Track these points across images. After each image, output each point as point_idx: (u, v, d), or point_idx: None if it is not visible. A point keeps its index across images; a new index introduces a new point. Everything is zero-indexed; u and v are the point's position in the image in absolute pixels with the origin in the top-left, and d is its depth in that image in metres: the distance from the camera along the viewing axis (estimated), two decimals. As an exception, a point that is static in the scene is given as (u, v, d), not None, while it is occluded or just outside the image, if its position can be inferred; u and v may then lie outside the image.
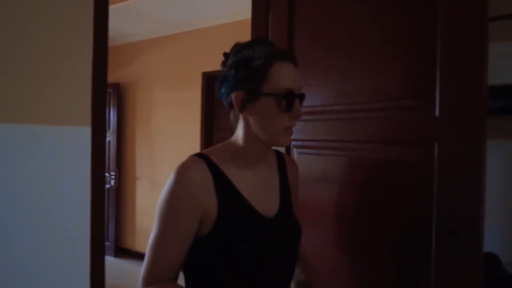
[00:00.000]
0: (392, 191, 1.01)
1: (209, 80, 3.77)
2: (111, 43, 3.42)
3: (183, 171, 0.77)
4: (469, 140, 0.87)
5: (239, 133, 0.83)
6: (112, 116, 4.42)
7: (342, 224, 1.14)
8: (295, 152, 1.29)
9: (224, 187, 0.79)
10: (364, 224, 1.08)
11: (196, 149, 3.86)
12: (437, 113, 0.92)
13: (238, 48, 0.81)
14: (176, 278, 0.80)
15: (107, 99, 3.39)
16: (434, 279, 0.91)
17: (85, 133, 1.00)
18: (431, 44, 0.93)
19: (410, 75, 0.99)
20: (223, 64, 0.83)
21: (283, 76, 0.77)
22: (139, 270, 0.78)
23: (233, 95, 0.79)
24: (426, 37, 0.95)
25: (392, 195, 1.01)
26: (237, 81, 0.78)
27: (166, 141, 4.13)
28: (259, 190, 0.84)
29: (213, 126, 3.93)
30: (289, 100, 0.76)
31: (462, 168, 0.88)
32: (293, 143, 1.29)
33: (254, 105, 0.78)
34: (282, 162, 0.95)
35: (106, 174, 4.17)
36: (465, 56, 0.88)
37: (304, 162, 1.26)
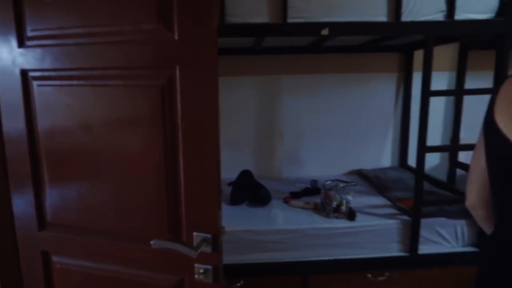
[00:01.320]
0: (140, 116, 1.02)
1: None
2: None
3: None
4: (205, 63, 0.95)
5: None
6: None
7: (92, 159, 1.09)
8: (34, 85, 1.09)
9: None
10: (114, 155, 1.06)
11: None
12: (176, 37, 0.95)
13: None
14: None
15: None
16: (184, 188, 1.01)
17: None
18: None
19: (150, -2, 0.97)
20: None
21: None
22: None
23: None
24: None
25: (141, 120, 1.02)
26: None
27: None
28: None
29: None
30: None
31: (201, 88, 0.96)
32: (31, 73, 1.09)
33: None
34: None
35: None
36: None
37: (46, 96, 1.10)
